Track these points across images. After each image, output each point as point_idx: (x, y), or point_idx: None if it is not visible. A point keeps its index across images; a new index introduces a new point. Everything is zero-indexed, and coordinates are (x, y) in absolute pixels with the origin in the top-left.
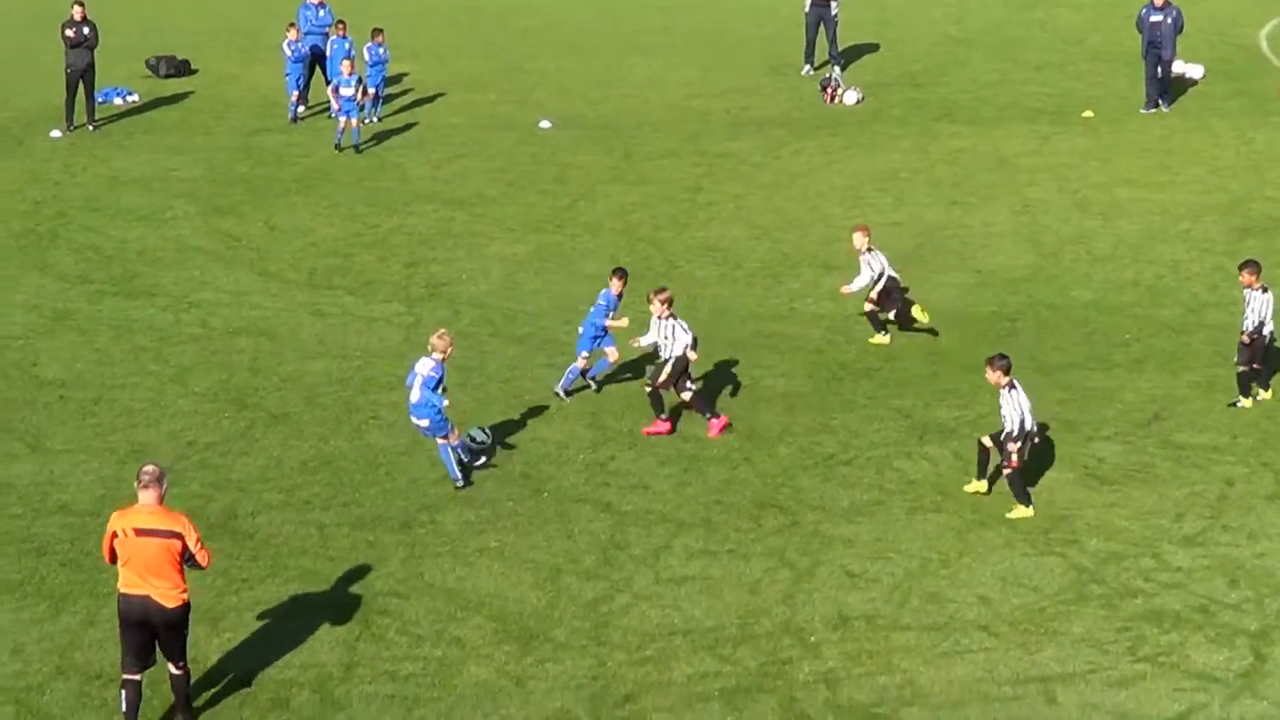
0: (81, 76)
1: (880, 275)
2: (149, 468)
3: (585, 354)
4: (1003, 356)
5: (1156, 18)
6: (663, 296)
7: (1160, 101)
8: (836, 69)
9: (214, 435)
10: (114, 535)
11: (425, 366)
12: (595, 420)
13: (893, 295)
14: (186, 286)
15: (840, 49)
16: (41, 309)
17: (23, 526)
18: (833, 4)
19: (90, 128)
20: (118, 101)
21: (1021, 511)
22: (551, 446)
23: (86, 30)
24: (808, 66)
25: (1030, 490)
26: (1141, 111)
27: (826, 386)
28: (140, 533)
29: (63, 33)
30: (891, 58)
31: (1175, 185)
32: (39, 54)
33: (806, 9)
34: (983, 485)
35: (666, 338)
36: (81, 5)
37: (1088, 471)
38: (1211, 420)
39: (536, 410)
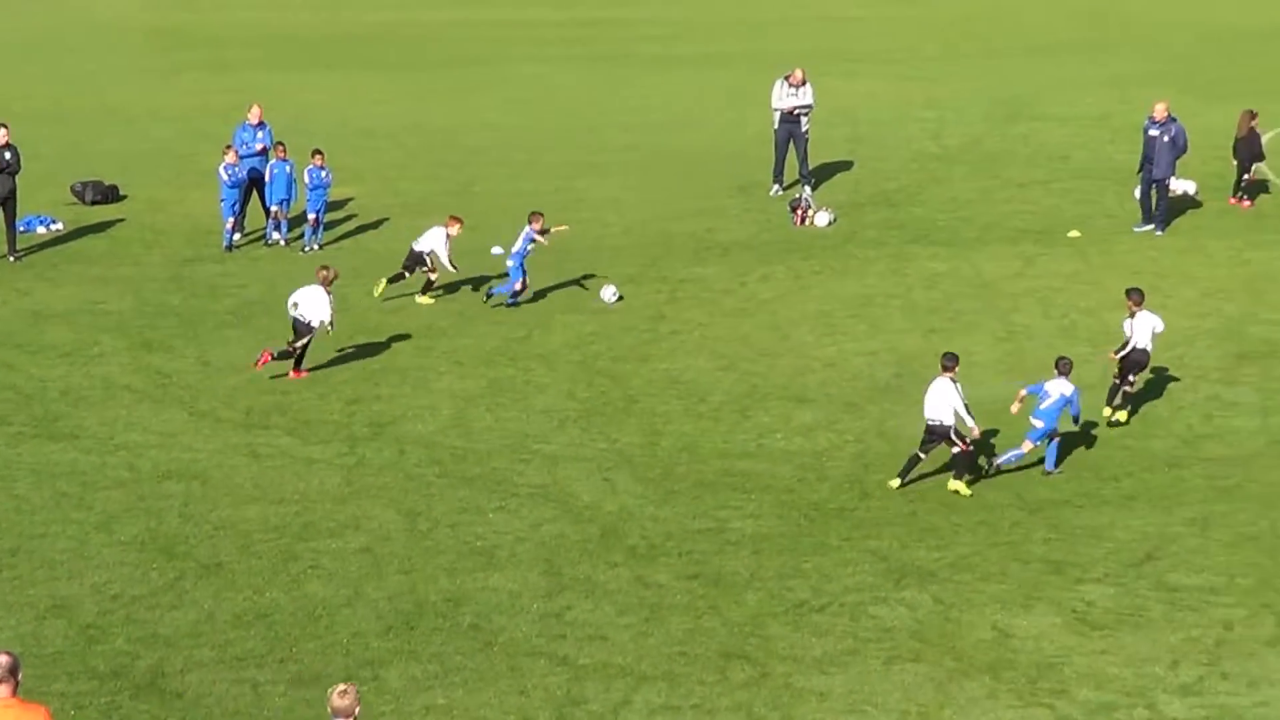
0: (2, 204)
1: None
2: (2, 659)
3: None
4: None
5: (1154, 132)
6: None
7: (1155, 224)
8: (807, 189)
9: (141, 587)
10: None
11: None
12: (550, 567)
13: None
14: (113, 427)
15: (811, 167)
16: None
17: None
18: (803, 120)
19: (11, 258)
20: (41, 230)
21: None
22: (503, 596)
23: (8, 155)
24: (776, 186)
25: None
26: (1134, 229)
27: (798, 528)
28: None
29: None
30: (865, 176)
31: (1167, 308)
32: None
33: (775, 125)
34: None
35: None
36: (5, 127)
37: (1076, 616)
38: (1208, 560)
39: (487, 557)
